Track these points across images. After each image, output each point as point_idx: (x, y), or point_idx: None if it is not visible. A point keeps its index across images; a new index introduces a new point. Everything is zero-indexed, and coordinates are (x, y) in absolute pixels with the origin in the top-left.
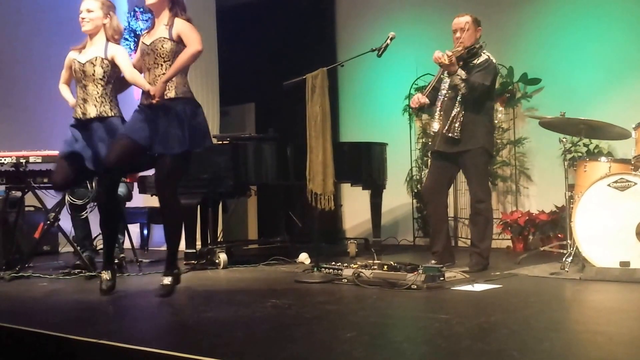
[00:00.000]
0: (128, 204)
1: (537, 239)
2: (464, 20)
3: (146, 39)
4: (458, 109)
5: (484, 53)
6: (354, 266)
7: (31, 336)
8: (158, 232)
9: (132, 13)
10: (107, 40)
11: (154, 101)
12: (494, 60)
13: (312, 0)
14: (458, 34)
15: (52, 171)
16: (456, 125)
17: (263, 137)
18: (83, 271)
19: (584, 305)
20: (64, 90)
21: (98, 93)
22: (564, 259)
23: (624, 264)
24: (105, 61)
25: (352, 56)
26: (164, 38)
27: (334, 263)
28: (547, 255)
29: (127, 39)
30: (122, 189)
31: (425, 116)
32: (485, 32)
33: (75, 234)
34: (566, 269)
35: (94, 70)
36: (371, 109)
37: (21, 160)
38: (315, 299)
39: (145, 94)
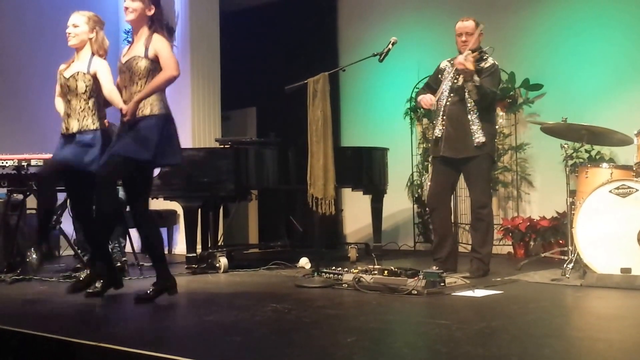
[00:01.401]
0: (129, 208)
1: (538, 245)
2: (469, 24)
3: (123, 57)
4: (471, 116)
5: (489, 57)
6: (355, 271)
7: (32, 339)
8: None
9: None
10: (93, 54)
11: (125, 119)
12: (498, 65)
13: (313, 5)
14: (464, 38)
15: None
16: (474, 131)
17: (264, 142)
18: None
19: (584, 312)
20: (58, 104)
21: (80, 107)
22: (565, 265)
23: (625, 270)
24: (87, 76)
25: (353, 61)
26: (139, 56)
27: (334, 268)
28: (548, 261)
29: (129, 42)
30: (122, 192)
31: (425, 121)
32: (486, 37)
33: (76, 237)
34: (567, 276)
35: (77, 85)
36: (372, 114)
37: (23, 163)
38: (315, 303)
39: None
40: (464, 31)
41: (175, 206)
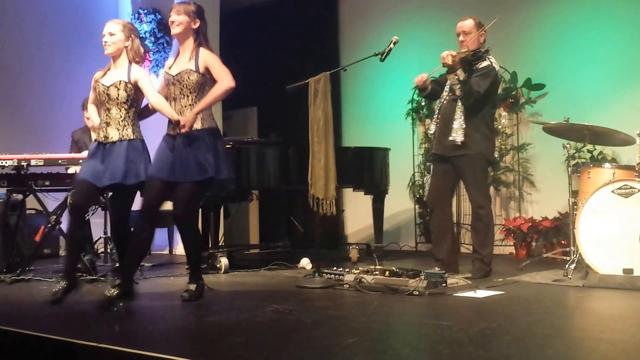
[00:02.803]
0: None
1: (540, 246)
2: (467, 23)
3: (172, 70)
4: (460, 112)
5: (488, 58)
6: (356, 272)
7: (32, 340)
8: (160, 236)
9: (136, 15)
10: (130, 62)
11: (183, 130)
12: (497, 67)
13: (315, 4)
14: (462, 37)
15: (72, 191)
16: (455, 127)
17: (265, 142)
18: (84, 275)
19: (586, 313)
20: (92, 111)
21: (121, 117)
22: (567, 265)
23: (628, 271)
24: (129, 85)
25: (355, 60)
26: (191, 70)
27: (335, 268)
28: (550, 261)
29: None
30: None
31: (427, 121)
32: (488, 37)
33: None
34: (569, 276)
35: (118, 94)
36: (374, 114)
37: (22, 163)
38: (316, 304)
39: (173, 124)
40: (461, 30)
41: None
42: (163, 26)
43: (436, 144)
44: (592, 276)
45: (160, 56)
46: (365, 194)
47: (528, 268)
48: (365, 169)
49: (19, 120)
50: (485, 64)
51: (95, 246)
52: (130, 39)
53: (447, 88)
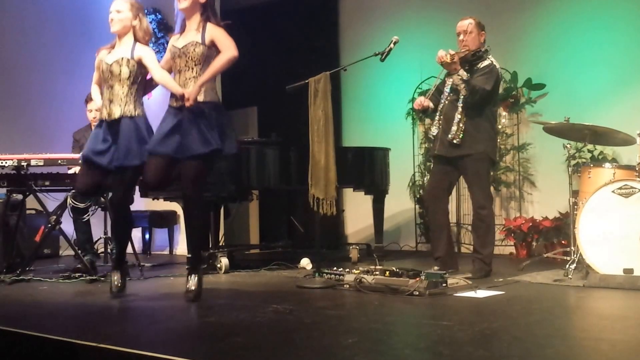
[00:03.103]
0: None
1: (540, 246)
2: (467, 23)
3: (178, 42)
4: (459, 112)
5: (488, 57)
6: (356, 272)
7: (32, 340)
8: (160, 236)
9: None
10: (136, 41)
11: (187, 104)
12: (498, 66)
13: (315, 4)
14: (462, 37)
15: (76, 175)
16: (455, 128)
17: (265, 141)
18: (84, 275)
19: (587, 313)
20: (95, 91)
21: (123, 93)
22: (567, 265)
23: (628, 271)
24: (132, 61)
25: (355, 60)
26: (196, 42)
27: (335, 268)
28: (551, 261)
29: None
30: None
31: (427, 120)
32: (489, 36)
33: (76, 237)
34: (569, 276)
35: (120, 70)
36: (374, 114)
37: (22, 163)
38: (316, 304)
39: (175, 96)
40: (462, 30)
41: (176, 207)
42: (163, 26)
43: (439, 145)
44: (593, 276)
45: (161, 56)
46: (365, 194)
47: (528, 268)
48: (365, 169)
49: (19, 120)
50: (486, 63)
51: (95, 246)
52: (138, 17)
53: (447, 90)
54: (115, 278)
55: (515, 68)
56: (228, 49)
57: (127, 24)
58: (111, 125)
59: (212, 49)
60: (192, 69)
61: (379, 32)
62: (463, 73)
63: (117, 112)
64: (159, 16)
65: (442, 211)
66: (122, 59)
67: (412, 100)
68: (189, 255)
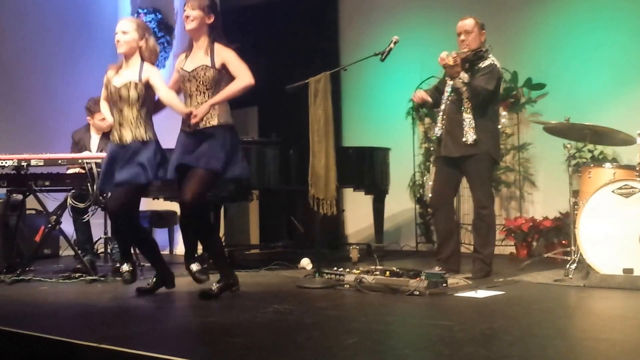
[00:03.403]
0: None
1: (541, 246)
2: (468, 23)
3: (186, 65)
4: (465, 113)
5: (489, 57)
6: (356, 272)
7: (32, 340)
8: (160, 236)
9: (135, 15)
10: (143, 61)
11: (193, 121)
12: (498, 65)
13: (315, 4)
14: (463, 37)
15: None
16: (466, 129)
17: (265, 141)
18: (84, 275)
19: (587, 313)
20: (104, 108)
21: (133, 117)
22: (567, 265)
23: (628, 271)
24: (140, 84)
25: (355, 60)
26: (206, 66)
27: (335, 268)
28: (551, 261)
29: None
30: None
31: (427, 120)
32: (489, 36)
33: (76, 238)
34: (570, 276)
35: (129, 94)
36: (374, 114)
37: (22, 163)
38: (316, 304)
39: (185, 119)
40: (463, 30)
41: (176, 207)
42: (163, 25)
43: (444, 146)
44: (593, 276)
45: (161, 56)
46: (365, 194)
47: (529, 268)
48: (365, 169)
49: (19, 120)
50: (487, 62)
51: (95, 247)
52: (144, 38)
53: (447, 89)
54: (125, 267)
55: (515, 68)
56: (244, 76)
57: (134, 45)
58: (122, 150)
59: (223, 72)
60: (204, 93)
61: (379, 32)
62: (464, 75)
63: (128, 137)
64: (159, 16)
65: (449, 216)
66: (130, 82)
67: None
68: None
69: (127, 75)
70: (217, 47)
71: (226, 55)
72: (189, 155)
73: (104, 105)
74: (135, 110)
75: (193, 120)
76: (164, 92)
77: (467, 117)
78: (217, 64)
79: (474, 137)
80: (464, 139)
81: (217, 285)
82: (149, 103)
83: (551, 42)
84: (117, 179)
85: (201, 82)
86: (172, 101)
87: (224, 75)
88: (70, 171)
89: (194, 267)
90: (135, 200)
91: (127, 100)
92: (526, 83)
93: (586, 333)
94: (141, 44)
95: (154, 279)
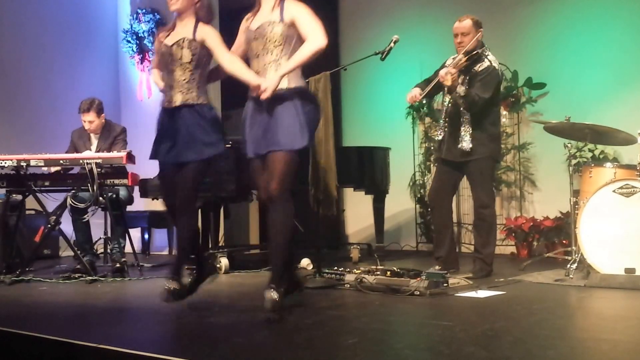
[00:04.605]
0: (129, 208)
1: (541, 245)
2: (465, 24)
3: (253, 24)
4: (463, 119)
5: (486, 58)
6: (357, 272)
7: (31, 341)
8: (159, 237)
9: (134, 15)
10: (198, 20)
11: (262, 96)
12: (497, 66)
13: (315, 3)
14: (459, 39)
15: (161, 194)
16: (462, 135)
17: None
18: (84, 275)
19: (588, 313)
20: (155, 75)
21: (185, 79)
22: (568, 265)
23: (629, 270)
24: (194, 43)
25: (355, 59)
26: (274, 21)
27: (336, 268)
28: (552, 261)
29: (129, 42)
30: (123, 192)
31: (427, 120)
32: (489, 35)
33: (76, 238)
34: (571, 276)
35: (181, 54)
36: (374, 113)
37: (22, 164)
38: (317, 304)
39: (253, 91)
40: (459, 31)
41: None
42: (162, 26)
43: (445, 150)
44: (594, 276)
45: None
46: (365, 193)
47: (529, 268)
48: (365, 168)
49: (18, 121)
50: (485, 65)
51: (95, 247)
52: None
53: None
54: (174, 283)
55: (516, 67)
56: (316, 36)
57: (188, 2)
58: (171, 114)
59: (292, 29)
60: (271, 52)
61: (379, 31)
62: (461, 89)
63: (177, 99)
64: (158, 16)
65: (446, 211)
66: (183, 40)
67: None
68: (270, 268)
69: (179, 34)
70: (288, 2)
71: (297, 10)
72: (263, 136)
73: (155, 73)
74: (188, 72)
75: (263, 96)
76: (225, 56)
77: (466, 124)
78: (287, 19)
79: (470, 145)
80: (459, 146)
81: (281, 290)
82: (204, 66)
83: (551, 42)
84: (178, 158)
85: (268, 40)
86: (236, 68)
87: (294, 32)
88: (53, 170)
89: (274, 294)
90: (200, 179)
91: (178, 61)
92: (526, 82)
93: (587, 333)
94: (196, 0)
95: (191, 278)
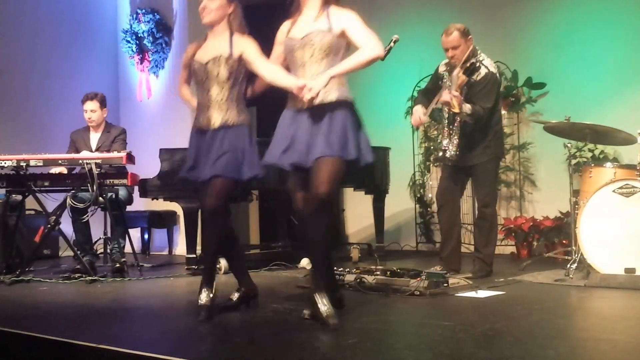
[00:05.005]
0: (128, 208)
1: (541, 245)
2: (453, 38)
3: (294, 32)
4: (469, 128)
5: (482, 65)
6: (357, 272)
7: (31, 341)
8: (159, 237)
9: (134, 15)
10: (232, 32)
11: (307, 96)
12: (494, 70)
13: None
14: (450, 53)
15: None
16: (469, 141)
17: (265, 141)
18: (83, 275)
19: (588, 313)
20: (185, 91)
21: (223, 98)
22: (568, 265)
23: (629, 270)
24: (231, 60)
25: None
26: (323, 30)
27: (336, 268)
28: (552, 261)
29: (129, 42)
30: (122, 192)
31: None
32: (489, 35)
33: (76, 238)
34: (571, 276)
35: (218, 72)
36: (374, 113)
37: (22, 164)
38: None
39: (296, 96)
40: (449, 46)
41: (175, 207)
42: (162, 26)
43: (454, 157)
44: (594, 276)
45: (159, 56)
46: (365, 193)
47: (529, 268)
48: (365, 168)
49: (18, 121)
50: (482, 73)
51: (95, 247)
52: (232, 5)
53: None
54: (204, 297)
55: (515, 67)
56: (372, 46)
57: (222, 12)
58: (211, 136)
59: (342, 39)
60: (320, 62)
61: (378, 30)
62: (467, 107)
63: (217, 121)
64: (157, 16)
65: (455, 212)
66: (220, 57)
67: (412, 99)
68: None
69: (214, 49)
70: (335, 9)
71: (347, 18)
72: (307, 145)
73: (184, 90)
74: (226, 90)
75: (308, 95)
76: (264, 66)
77: (470, 130)
78: (337, 29)
79: (477, 150)
80: (466, 152)
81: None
82: (241, 83)
83: (552, 41)
84: (212, 171)
85: (317, 49)
86: (276, 75)
87: (342, 43)
88: (52, 171)
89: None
90: (229, 195)
91: (215, 79)
92: (526, 82)
93: (587, 333)
94: (229, 11)
95: (237, 293)
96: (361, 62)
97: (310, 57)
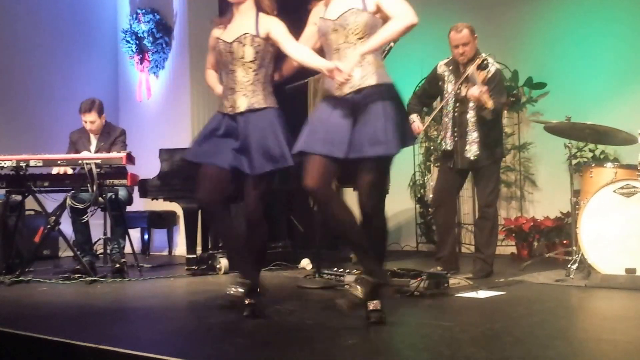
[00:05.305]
0: (128, 208)
1: (542, 246)
2: (464, 35)
3: (328, 13)
4: (472, 127)
5: (488, 61)
6: (356, 272)
7: (31, 341)
8: (159, 237)
9: (134, 15)
10: (259, 11)
11: (339, 78)
12: (497, 65)
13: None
14: (461, 49)
15: (197, 186)
16: (473, 144)
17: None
18: (83, 276)
19: (589, 313)
20: (211, 78)
21: (248, 80)
22: (569, 265)
23: (630, 270)
24: (257, 39)
25: None
26: (357, 9)
27: (336, 269)
28: (552, 261)
29: (129, 42)
30: (122, 193)
31: (426, 118)
32: (490, 35)
33: (75, 238)
34: (571, 276)
35: (243, 52)
36: None
37: (21, 164)
38: (316, 305)
39: (331, 83)
40: (460, 42)
41: (175, 207)
42: (162, 26)
43: (458, 160)
44: (594, 276)
45: (159, 57)
46: None
47: (530, 268)
48: None
49: (17, 121)
50: (493, 70)
51: (95, 247)
52: None
53: (450, 98)
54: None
55: (516, 67)
56: (405, 14)
57: None
58: (234, 120)
59: (377, 17)
60: (354, 44)
61: None
62: (491, 104)
63: (242, 105)
64: (157, 16)
65: (452, 209)
66: (245, 36)
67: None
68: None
69: (239, 28)
70: None
71: None
72: (350, 138)
73: (211, 76)
74: (252, 72)
75: (340, 77)
76: (293, 46)
77: (473, 132)
78: (371, 6)
79: (481, 152)
80: (470, 154)
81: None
82: (268, 65)
83: (552, 41)
84: (254, 170)
85: (351, 31)
86: (305, 56)
87: (378, 22)
88: (53, 171)
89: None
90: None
91: (240, 60)
92: (527, 82)
93: (588, 334)
94: None
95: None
96: (395, 31)
97: (345, 41)
